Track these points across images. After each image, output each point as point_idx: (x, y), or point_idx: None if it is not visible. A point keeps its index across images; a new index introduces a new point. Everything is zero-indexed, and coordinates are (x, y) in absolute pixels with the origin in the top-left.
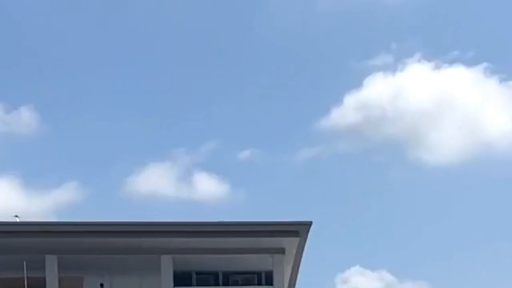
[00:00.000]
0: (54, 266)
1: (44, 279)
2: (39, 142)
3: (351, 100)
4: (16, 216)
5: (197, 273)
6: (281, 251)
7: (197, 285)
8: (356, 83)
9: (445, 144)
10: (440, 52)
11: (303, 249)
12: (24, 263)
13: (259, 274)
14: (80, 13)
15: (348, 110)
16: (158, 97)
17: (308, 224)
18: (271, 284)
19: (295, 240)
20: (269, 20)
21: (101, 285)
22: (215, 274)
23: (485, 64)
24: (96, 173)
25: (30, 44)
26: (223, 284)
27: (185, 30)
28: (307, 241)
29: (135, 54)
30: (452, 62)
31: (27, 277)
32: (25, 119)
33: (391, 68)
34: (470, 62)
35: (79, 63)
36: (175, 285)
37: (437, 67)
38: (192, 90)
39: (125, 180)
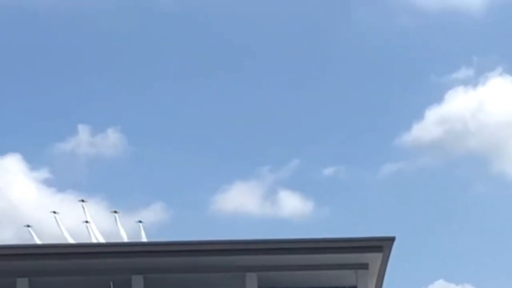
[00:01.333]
0: (140, 286)
1: None
2: (125, 163)
3: (433, 114)
4: (54, 212)
5: None
6: (365, 266)
7: None
8: (437, 97)
9: None
10: None
11: (386, 264)
12: (112, 283)
13: None
14: (166, 39)
15: (429, 125)
16: (241, 117)
17: (392, 240)
18: None
19: (379, 255)
20: (350, 36)
21: None
22: None
23: None
24: (181, 193)
25: (118, 68)
26: None
27: (267, 51)
28: (391, 256)
29: (220, 76)
30: None
31: None
32: (112, 141)
33: (472, 81)
34: None
35: (164, 87)
36: None
37: None
38: (276, 109)
39: (210, 199)
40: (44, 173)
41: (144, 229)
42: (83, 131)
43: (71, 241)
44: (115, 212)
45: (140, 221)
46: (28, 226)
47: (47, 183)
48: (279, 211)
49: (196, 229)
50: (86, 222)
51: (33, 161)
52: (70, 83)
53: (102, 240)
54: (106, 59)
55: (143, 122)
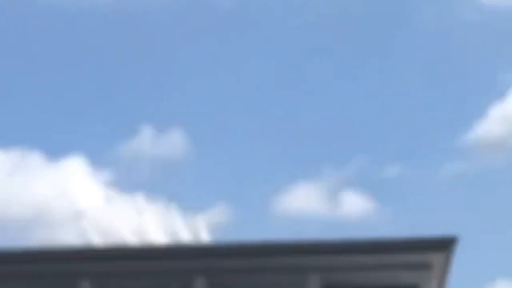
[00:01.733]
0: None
1: None
2: (189, 164)
3: (496, 112)
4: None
5: None
6: (428, 266)
7: None
8: (500, 94)
9: None
10: None
11: (450, 265)
12: (174, 286)
13: None
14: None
15: (493, 123)
16: (304, 116)
17: (455, 239)
18: None
19: (442, 255)
20: (411, 31)
21: None
22: None
23: None
24: (244, 194)
25: (180, 66)
26: None
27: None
28: (454, 256)
29: (282, 75)
30: None
31: None
32: (175, 141)
33: None
34: None
35: (228, 86)
36: None
37: None
38: (338, 107)
39: (273, 200)
40: (107, 174)
41: (206, 230)
42: (147, 131)
43: (132, 241)
44: (178, 212)
45: (201, 221)
46: (88, 226)
47: (111, 184)
48: (341, 211)
49: (258, 230)
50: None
51: (96, 162)
52: (133, 82)
53: (163, 240)
54: (168, 58)
55: (207, 121)
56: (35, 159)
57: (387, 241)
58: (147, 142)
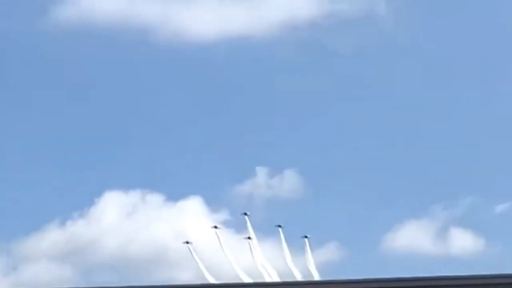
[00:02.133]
0: None
1: None
2: (301, 204)
3: None
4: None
5: None
6: None
7: None
8: None
9: None
10: None
11: None
12: None
13: None
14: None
15: None
16: (410, 156)
17: None
18: None
19: None
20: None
21: None
22: None
23: None
24: (355, 232)
25: (293, 110)
26: None
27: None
28: None
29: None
30: None
31: None
32: (289, 183)
33: None
34: None
35: (339, 127)
36: None
37: None
38: (446, 147)
39: (382, 238)
40: (223, 215)
41: (316, 268)
42: (261, 173)
43: (246, 280)
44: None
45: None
46: (187, 242)
47: (226, 224)
48: (450, 249)
49: (369, 268)
50: (249, 238)
51: (213, 203)
52: (248, 126)
53: (276, 279)
54: (281, 101)
55: (319, 163)
56: (155, 200)
57: (495, 277)
58: (262, 184)
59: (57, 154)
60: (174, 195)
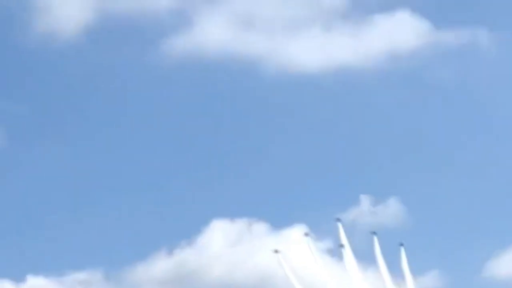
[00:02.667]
0: None
1: None
2: (404, 233)
3: None
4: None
5: None
6: None
7: None
8: None
9: None
10: None
11: None
12: None
13: None
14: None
15: None
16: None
17: None
18: None
19: None
20: None
21: None
22: None
23: None
24: (456, 260)
25: (394, 140)
26: None
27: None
28: None
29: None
30: None
31: None
32: (392, 210)
33: None
34: None
35: (441, 158)
36: None
37: None
38: None
39: (485, 265)
40: (327, 243)
41: None
42: (365, 201)
43: None
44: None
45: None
46: (276, 251)
47: (330, 252)
48: None
49: None
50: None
51: (317, 231)
52: (350, 154)
53: None
54: (381, 131)
55: (422, 191)
56: (260, 228)
57: None
58: (366, 212)
59: (166, 183)
60: (279, 223)
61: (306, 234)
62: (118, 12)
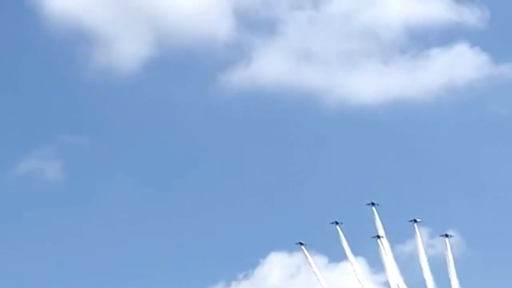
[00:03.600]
0: None
1: None
2: (462, 265)
3: None
4: None
5: None
6: None
7: None
8: None
9: None
10: None
11: None
12: None
13: None
14: None
15: None
16: None
17: None
18: None
19: None
20: None
21: None
22: None
23: None
24: None
25: (456, 172)
26: None
27: None
28: None
29: None
30: None
31: None
32: (451, 243)
33: None
34: None
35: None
36: None
37: None
38: None
39: None
40: (384, 276)
41: None
42: (424, 232)
43: None
44: None
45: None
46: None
47: (386, 285)
48: None
49: None
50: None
51: (374, 264)
52: (410, 187)
53: None
54: (442, 162)
55: (481, 224)
56: (318, 261)
57: None
58: (424, 244)
59: (224, 215)
60: (337, 256)
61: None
62: (176, 47)
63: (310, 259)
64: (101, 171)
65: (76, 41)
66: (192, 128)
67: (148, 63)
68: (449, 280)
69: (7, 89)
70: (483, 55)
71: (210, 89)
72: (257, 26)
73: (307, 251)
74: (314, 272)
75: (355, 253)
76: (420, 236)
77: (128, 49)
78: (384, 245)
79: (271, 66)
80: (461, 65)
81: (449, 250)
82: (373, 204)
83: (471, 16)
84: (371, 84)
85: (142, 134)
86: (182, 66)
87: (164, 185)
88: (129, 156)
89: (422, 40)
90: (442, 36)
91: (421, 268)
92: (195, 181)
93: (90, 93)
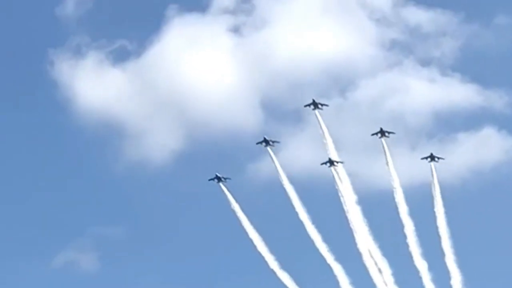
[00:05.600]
0: None
1: None
2: None
3: None
4: None
5: None
6: None
7: None
8: None
9: None
10: None
11: None
12: None
13: None
14: None
15: None
16: None
17: None
18: None
19: None
20: None
21: None
22: None
23: None
24: None
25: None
26: None
27: None
28: None
29: None
30: None
31: None
32: None
33: None
34: None
35: None
36: None
37: None
38: None
39: None
40: None
41: None
42: None
43: None
44: None
45: None
46: None
47: None
48: None
49: None
50: None
51: None
52: None
53: None
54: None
55: None
56: None
57: None
58: None
59: None
60: None
61: None
62: (206, 139)
63: None
64: (134, 260)
65: (107, 134)
66: (222, 217)
67: (178, 155)
68: None
69: (42, 182)
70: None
71: (238, 179)
72: (284, 116)
73: None
74: None
75: None
76: None
77: (158, 142)
78: None
79: (299, 155)
80: (488, 148)
81: None
82: None
83: (499, 101)
84: (400, 169)
85: (173, 224)
86: (211, 158)
87: (199, 274)
88: (162, 246)
89: (449, 124)
90: (469, 120)
91: None
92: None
93: (122, 185)
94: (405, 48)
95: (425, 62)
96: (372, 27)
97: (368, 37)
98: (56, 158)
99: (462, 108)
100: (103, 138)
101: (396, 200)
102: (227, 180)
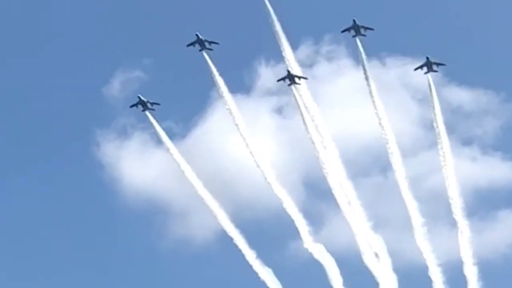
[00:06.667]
0: None
1: None
2: None
3: None
4: None
5: None
6: None
7: None
8: None
9: None
10: None
11: None
12: None
13: None
14: None
15: None
16: None
17: None
18: None
19: None
20: None
21: None
22: None
23: None
24: None
25: None
26: None
27: None
28: None
29: None
30: None
31: None
32: None
33: None
34: None
35: None
36: None
37: None
38: None
39: None
40: None
41: None
42: None
43: None
44: None
45: None
46: None
47: None
48: None
49: None
50: None
51: None
52: None
53: None
54: None
55: None
56: None
57: None
58: None
59: None
60: None
61: None
62: (248, 218)
63: None
64: None
65: (152, 213)
66: None
67: (221, 234)
68: None
69: (91, 261)
70: None
71: (278, 256)
72: (326, 194)
73: None
74: None
75: None
76: None
77: (202, 220)
78: None
79: (340, 233)
80: None
81: None
82: None
83: None
84: (440, 248)
85: None
86: (254, 236)
87: None
88: None
89: (489, 202)
90: (509, 198)
91: None
92: None
93: (166, 262)
94: (447, 127)
95: (467, 141)
96: (414, 107)
97: (410, 117)
98: (103, 237)
99: (503, 186)
100: (148, 216)
101: (431, 277)
102: None
